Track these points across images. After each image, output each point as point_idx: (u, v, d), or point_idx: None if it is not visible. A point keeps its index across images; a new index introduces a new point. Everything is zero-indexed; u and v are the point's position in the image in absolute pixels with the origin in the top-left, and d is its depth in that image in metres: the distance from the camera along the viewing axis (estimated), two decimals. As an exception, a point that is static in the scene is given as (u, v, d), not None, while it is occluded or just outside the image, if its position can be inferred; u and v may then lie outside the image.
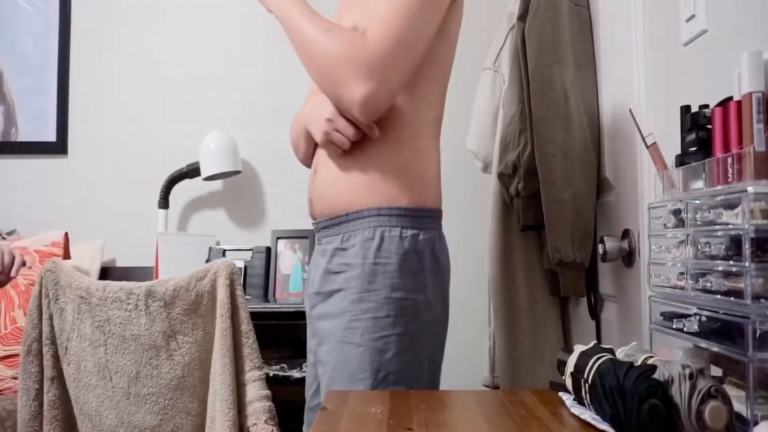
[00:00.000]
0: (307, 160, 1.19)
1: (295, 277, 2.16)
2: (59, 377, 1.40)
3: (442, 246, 1.10)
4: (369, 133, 1.03)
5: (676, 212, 0.80)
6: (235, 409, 1.32)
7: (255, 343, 1.39)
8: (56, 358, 1.40)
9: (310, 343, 1.14)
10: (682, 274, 0.78)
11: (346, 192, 1.06)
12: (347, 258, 1.03)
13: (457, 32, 1.14)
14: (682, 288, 0.77)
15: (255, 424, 1.32)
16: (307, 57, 1.03)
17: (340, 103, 1.01)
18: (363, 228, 1.03)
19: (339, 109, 1.03)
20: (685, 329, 0.75)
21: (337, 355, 1.02)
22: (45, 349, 1.39)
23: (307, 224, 2.23)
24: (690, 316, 0.75)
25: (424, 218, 1.05)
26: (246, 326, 1.38)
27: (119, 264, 2.35)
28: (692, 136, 0.82)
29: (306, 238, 2.18)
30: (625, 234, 1.28)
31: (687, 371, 0.62)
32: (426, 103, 1.08)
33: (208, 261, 2.13)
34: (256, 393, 1.35)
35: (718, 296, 0.69)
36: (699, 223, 0.74)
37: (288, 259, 2.19)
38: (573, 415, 0.75)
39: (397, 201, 1.04)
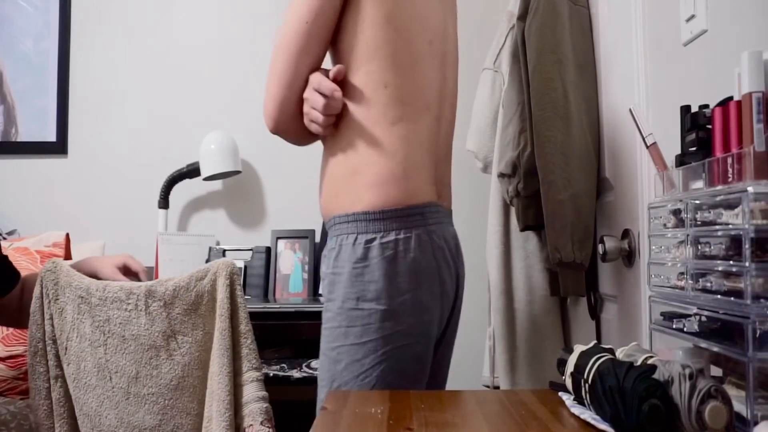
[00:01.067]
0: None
1: (295, 277, 2.16)
2: (62, 376, 1.41)
3: (420, 246, 1.01)
4: (332, 96, 1.00)
5: (676, 212, 0.80)
6: (232, 410, 1.32)
7: (253, 343, 1.38)
8: (58, 357, 1.40)
9: None
10: (682, 274, 0.78)
11: (321, 203, 1.09)
12: (323, 266, 1.08)
13: (383, 11, 1.00)
14: (682, 288, 0.77)
15: (251, 425, 1.32)
16: None
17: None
18: (331, 236, 1.05)
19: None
20: (685, 329, 0.75)
21: (321, 359, 1.06)
22: (48, 348, 1.39)
23: (307, 224, 2.25)
24: (690, 316, 0.75)
25: (383, 220, 0.99)
26: (245, 326, 1.38)
27: (119, 264, 2.34)
28: (692, 136, 0.82)
29: (306, 238, 2.18)
30: (625, 234, 1.28)
31: (687, 371, 0.62)
32: (373, 86, 1.01)
33: (208, 261, 2.13)
34: (253, 394, 1.35)
35: (718, 296, 0.69)
36: (699, 223, 0.74)
37: (288, 259, 2.19)
38: (573, 415, 0.75)
39: (353, 206, 1.01)
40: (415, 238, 1.00)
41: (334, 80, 1.01)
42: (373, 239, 0.99)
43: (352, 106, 1.02)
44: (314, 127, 1.03)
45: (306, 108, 1.03)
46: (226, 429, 1.30)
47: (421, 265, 1.01)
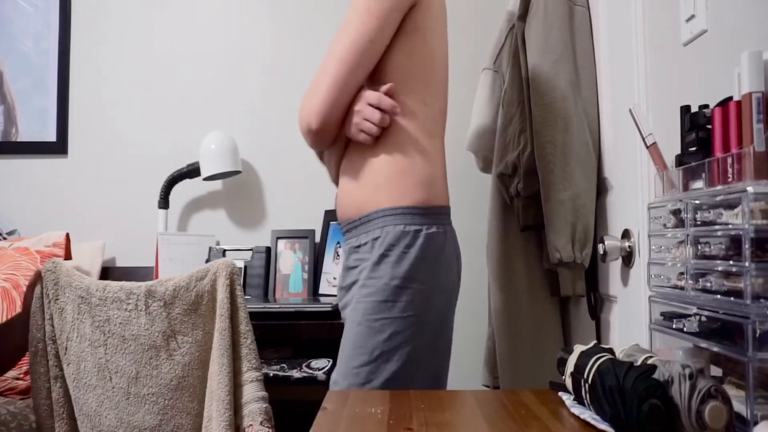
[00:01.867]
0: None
1: (295, 277, 2.16)
2: (62, 376, 1.41)
3: (448, 241, 1.21)
4: (393, 112, 1.17)
5: (676, 212, 0.80)
6: (232, 410, 1.32)
7: (253, 343, 1.38)
8: (58, 357, 1.40)
9: None
10: (682, 274, 0.78)
11: (357, 199, 1.21)
12: (360, 254, 1.19)
13: (436, 25, 1.24)
14: (682, 288, 0.77)
15: (251, 425, 1.32)
16: None
17: (302, 127, 1.23)
18: (373, 228, 1.17)
19: (305, 137, 1.24)
20: (685, 329, 0.75)
21: (345, 334, 1.18)
22: (48, 348, 1.39)
23: (307, 224, 2.25)
24: (690, 316, 0.75)
25: (426, 215, 1.17)
26: (245, 326, 1.38)
27: (119, 264, 2.35)
28: (692, 136, 0.82)
29: (306, 238, 2.18)
30: (625, 234, 1.28)
31: (687, 371, 0.62)
32: (417, 103, 1.20)
33: (208, 261, 2.13)
34: (252, 394, 1.35)
35: (718, 296, 0.69)
36: (699, 223, 0.74)
37: (288, 259, 2.19)
38: (573, 415, 0.75)
39: (399, 201, 1.17)
40: (449, 233, 1.22)
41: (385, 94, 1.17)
42: (420, 230, 1.15)
43: (400, 118, 1.19)
44: (363, 137, 1.18)
45: (357, 119, 1.17)
46: (225, 429, 1.30)
47: (453, 255, 1.22)
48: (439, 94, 1.25)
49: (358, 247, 1.20)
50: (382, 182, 1.19)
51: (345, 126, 1.20)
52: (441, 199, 1.23)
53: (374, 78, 1.20)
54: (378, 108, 1.16)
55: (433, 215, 1.19)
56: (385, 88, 1.17)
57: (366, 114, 1.16)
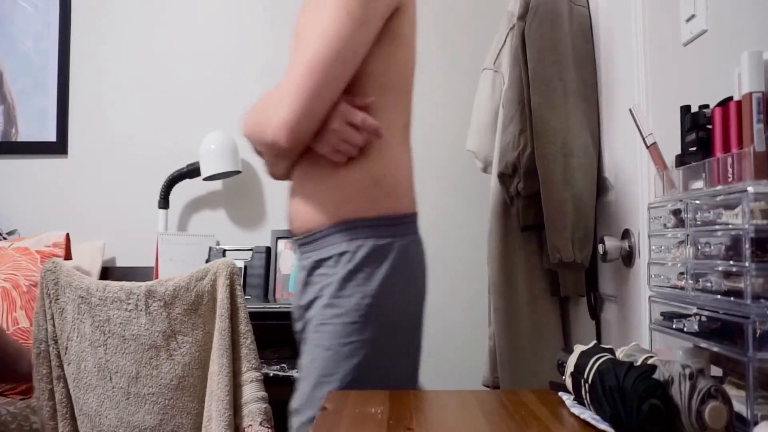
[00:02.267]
0: (288, 175, 1.18)
1: (295, 277, 2.16)
2: (64, 376, 1.41)
3: (418, 250, 1.12)
4: (377, 135, 1.06)
5: (676, 212, 0.80)
6: (231, 410, 1.32)
7: (253, 343, 1.38)
8: (59, 357, 1.40)
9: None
10: (682, 274, 0.78)
11: (320, 209, 1.09)
12: (324, 269, 1.07)
13: (411, 32, 1.17)
14: (682, 288, 0.77)
15: (250, 425, 1.32)
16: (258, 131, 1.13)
17: (265, 138, 1.07)
18: (338, 241, 1.06)
19: (265, 148, 1.11)
20: (685, 329, 0.75)
21: (308, 357, 1.07)
22: (50, 349, 1.39)
23: (307, 224, 2.24)
24: (690, 316, 0.75)
25: (396, 225, 1.08)
26: (244, 326, 1.38)
27: (119, 264, 2.35)
28: (692, 136, 0.82)
29: (306, 238, 2.18)
30: (625, 234, 1.28)
31: (687, 371, 0.62)
32: (391, 112, 1.11)
33: (208, 261, 2.13)
34: (252, 394, 1.35)
35: (718, 296, 0.69)
36: (699, 223, 0.74)
37: (288, 259, 2.19)
38: (573, 415, 0.75)
39: (368, 212, 1.07)
40: (418, 240, 1.13)
41: (363, 109, 1.06)
42: (393, 242, 1.06)
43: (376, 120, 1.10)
44: (339, 158, 1.06)
45: (335, 139, 1.04)
46: (225, 429, 1.30)
47: (423, 263, 1.13)
48: (410, 101, 1.18)
49: (321, 261, 1.07)
50: (350, 192, 1.07)
51: (316, 140, 1.06)
52: (410, 206, 1.14)
53: (349, 87, 1.06)
54: (366, 130, 1.05)
55: (404, 224, 1.10)
56: (365, 103, 1.06)
57: (345, 135, 1.04)
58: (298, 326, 1.15)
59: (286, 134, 1.02)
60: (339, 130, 1.03)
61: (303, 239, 1.12)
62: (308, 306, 1.09)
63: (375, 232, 1.05)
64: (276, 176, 1.20)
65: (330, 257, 1.06)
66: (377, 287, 1.03)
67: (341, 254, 1.05)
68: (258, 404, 1.34)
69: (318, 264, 1.08)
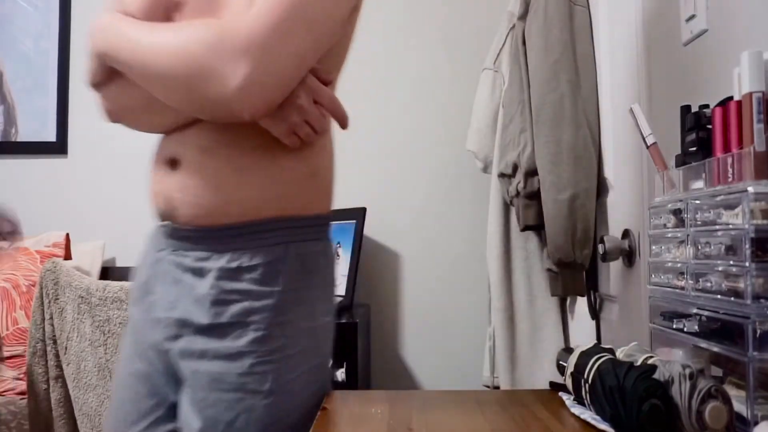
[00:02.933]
0: (162, 128, 0.88)
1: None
2: (62, 376, 1.41)
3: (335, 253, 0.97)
4: (342, 123, 0.86)
5: (676, 212, 0.80)
6: None
7: None
8: (58, 357, 1.40)
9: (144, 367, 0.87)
10: (682, 274, 0.78)
11: (244, 197, 0.82)
12: (248, 282, 0.80)
13: (355, 21, 0.93)
14: (682, 288, 0.77)
15: None
16: (159, 76, 0.78)
17: (206, 105, 0.77)
18: (270, 244, 0.81)
19: (205, 115, 0.81)
20: (685, 329, 0.75)
21: (233, 408, 0.79)
22: (48, 348, 1.39)
23: (307, 224, 2.24)
24: (690, 316, 0.75)
25: (327, 225, 0.90)
26: None
27: (119, 264, 2.35)
28: (692, 136, 0.82)
29: (306, 238, 2.18)
30: (625, 234, 1.28)
31: (687, 371, 0.62)
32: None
33: (208, 261, 2.12)
34: None
35: (718, 296, 0.69)
36: (699, 223, 0.74)
37: (288, 259, 2.18)
38: (573, 415, 0.75)
39: (306, 209, 0.86)
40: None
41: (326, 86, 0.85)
42: (327, 245, 0.89)
43: None
44: (292, 141, 0.82)
45: (297, 118, 0.79)
46: None
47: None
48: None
49: (243, 270, 0.80)
50: (286, 182, 0.84)
51: (269, 117, 0.79)
52: (332, 205, 0.93)
53: None
54: (325, 111, 0.83)
55: (330, 224, 0.91)
56: (329, 78, 0.84)
57: (310, 115, 0.80)
58: (176, 351, 0.82)
59: (263, 104, 0.76)
60: (306, 108, 0.79)
61: (204, 232, 0.82)
62: (216, 329, 0.80)
63: (317, 233, 0.87)
64: (144, 126, 0.91)
65: (256, 266, 0.80)
66: (328, 306, 0.87)
67: (274, 262, 0.81)
68: None
69: (234, 272, 0.80)
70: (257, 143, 0.82)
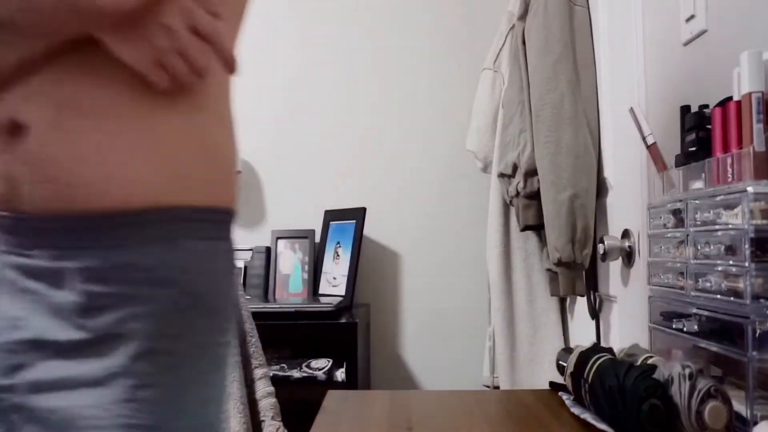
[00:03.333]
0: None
1: (294, 278, 2.16)
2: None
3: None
4: (228, 64, 0.66)
5: (676, 212, 0.80)
6: (247, 407, 1.34)
7: (258, 341, 1.40)
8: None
9: None
10: (682, 274, 0.78)
11: (119, 175, 0.59)
12: (121, 286, 0.58)
13: None
14: (682, 288, 0.77)
15: (263, 420, 1.34)
16: None
17: None
18: (155, 239, 0.60)
19: (51, 18, 0.56)
20: (685, 329, 0.75)
21: None
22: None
23: (307, 224, 2.24)
24: (690, 316, 0.75)
25: (230, 225, 0.70)
26: (248, 325, 1.39)
27: (119, 264, 2.35)
28: (692, 136, 0.82)
29: (306, 238, 2.18)
30: (625, 234, 1.28)
31: (687, 371, 0.62)
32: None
33: (208, 261, 2.13)
34: (262, 390, 1.37)
35: (718, 296, 0.69)
36: (699, 223, 0.74)
37: (288, 259, 2.19)
38: (573, 415, 0.76)
39: (209, 198, 0.64)
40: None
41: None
42: (229, 248, 0.69)
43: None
44: (160, 78, 0.60)
45: (165, 43, 0.59)
46: (244, 424, 1.32)
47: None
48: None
49: (114, 272, 0.58)
50: (179, 159, 0.62)
51: (127, 40, 0.59)
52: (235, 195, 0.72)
53: None
54: (205, 42, 0.61)
55: (232, 222, 0.70)
56: (215, 9, 0.64)
57: (183, 43, 0.59)
58: (13, 375, 0.58)
59: None
60: (177, 32, 0.59)
61: (56, 222, 0.59)
62: (76, 348, 0.57)
63: (214, 233, 0.65)
64: None
65: (136, 265, 0.59)
66: (225, 318, 0.66)
67: (162, 265, 0.60)
68: (268, 399, 1.37)
69: (100, 274, 0.58)
70: (136, 102, 0.60)
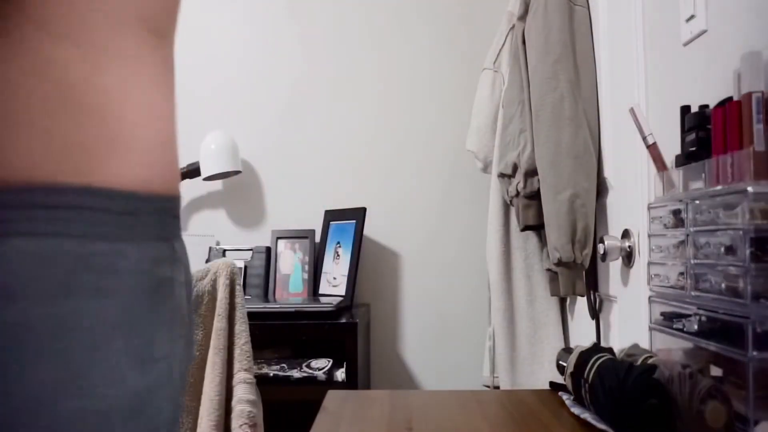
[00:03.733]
0: None
1: (295, 278, 2.16)
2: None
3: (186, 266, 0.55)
4: None
5: (676, 212, 0.80)
6: (221, 410, 1.32)
7: (247, 344, 1.38)
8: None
9: None
10: (682, 274, 0.78)
11: (16, 150, 0.43)
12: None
13: None
14: (682, 288, 0.77)
15: (234, 428, 1.33)
16: None
17: None
18: (29, 232, 0.42)
19: None
20: (685, 329, 0.75)
21: None
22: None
23: (307, 224, 2.25)
24: (690, 316, 0.75)
25: (174, 218, 0.52)
26: (239, 327, 1.38)
27: (119, 264, 2.34)
28: (692, 136, 0.82)
29: (306, 238, 2.18)
30: (625, 234, 1.28)
31: (687, 371, 0.62)
32: None
33: (208, 261, 2.13)
34: (239, 396, 1.35)
35: (718, 296, 0.69)
36: (699, 223, 0.74)
37: (288, 259, 2.19)
38: (573, 415, 0.76)
39: (119, 178, 0.46)
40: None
41: None
42: (174, 251, 0.51)
43: None
44: None
45: None
46: (212, 428, 1.30)
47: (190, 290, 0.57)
48: None
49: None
50: (60, 113, 0.44)
51: None
52: (175, 180, 0.52)
53: None
54: None
55: (167, 214, 0.51)
56: None
57: None
58: None
59: None
60: None
61: None
62: None
63: (150, 230, 0.48)
64: None
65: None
66: (161, 331, 0.49)
67: (80, 261, 0.43)
68: (242, 406, 1.34)
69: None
70: (29, 53, 0.43)
